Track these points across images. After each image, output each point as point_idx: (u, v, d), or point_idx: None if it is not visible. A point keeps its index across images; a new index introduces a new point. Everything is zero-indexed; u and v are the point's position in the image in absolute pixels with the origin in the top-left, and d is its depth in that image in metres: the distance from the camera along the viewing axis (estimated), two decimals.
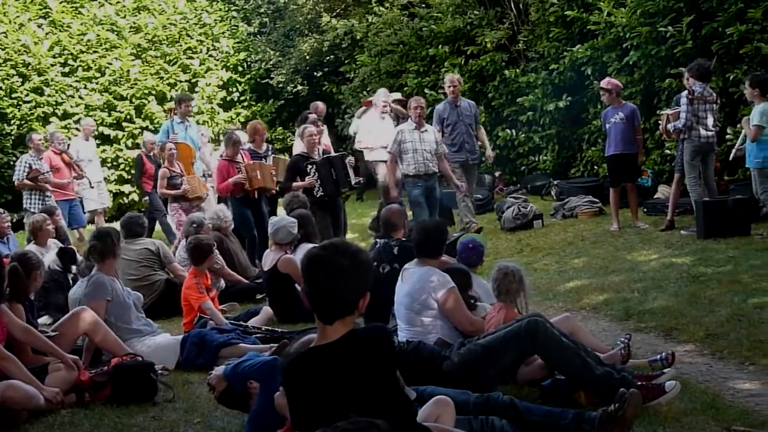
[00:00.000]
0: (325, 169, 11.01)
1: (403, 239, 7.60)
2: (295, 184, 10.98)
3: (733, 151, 10.59)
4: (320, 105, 15.62)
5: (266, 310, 8.59)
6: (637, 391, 4.73)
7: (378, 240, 8.00)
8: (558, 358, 5.38)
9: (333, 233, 10.86)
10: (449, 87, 12.70)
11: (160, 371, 6.57)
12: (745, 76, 11.94)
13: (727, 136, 12.30)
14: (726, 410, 5.09)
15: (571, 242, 11.38)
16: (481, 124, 13.20)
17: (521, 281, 6.14)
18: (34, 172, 13.25)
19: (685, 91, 10.82)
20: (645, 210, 12.86)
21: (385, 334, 3.84)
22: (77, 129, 18.96)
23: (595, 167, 15.38)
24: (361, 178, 12.90)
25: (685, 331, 6.95)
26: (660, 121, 10.89)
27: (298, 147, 12.52)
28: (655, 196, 13.40)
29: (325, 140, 13.86)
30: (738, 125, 11.50)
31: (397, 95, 15.31)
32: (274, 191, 12.08)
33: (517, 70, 16.95)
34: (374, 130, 13.42)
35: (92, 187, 15.49)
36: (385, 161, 12.13)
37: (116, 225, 12.68)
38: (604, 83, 12.04)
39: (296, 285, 8.49)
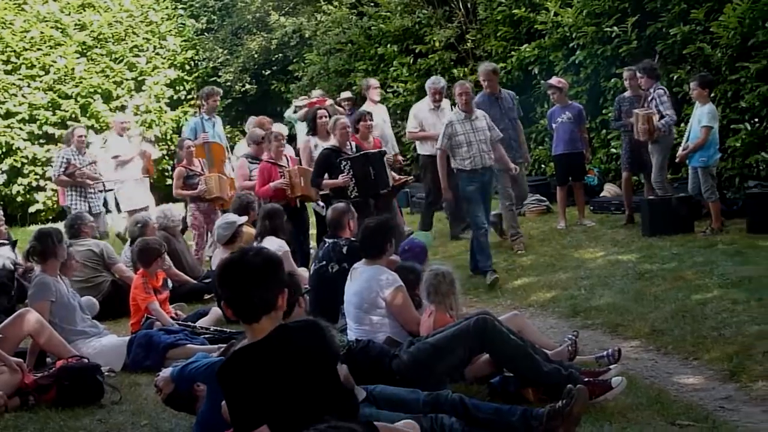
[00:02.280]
0: (361, 167, 9.55)
1: (352, 239, 7.59)
2: (327, 182, 9.67)
3: (680, 149, 10.72)
4: (371, 81, 13.99)
5: (215, 310, 8.50)
6: (584, 387, 4.78)
7: (327, 240, 7.98)
8: (506, 356, 5.42)
9: None
10: (483, 80, 11.10)
11: (106, 373, 6.51)
12: (688, 76, 12.12)
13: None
14: (671, 405, 5.17)
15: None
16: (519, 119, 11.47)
17: (452, 284, 6.16)
18: (72, 167, 12.62)
19: (661, 90, 10.99)
20: (591, 208, 12.99)
21: (316, 327, 3.84)
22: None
23: (542, 166, 15.48)
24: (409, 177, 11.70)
25: (631, 328, 7.06)
26: (634, 122, 10.89)
27: (242, 148, 12.28)
28: (602, 195, 13.53)
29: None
30: (681, 125, 11.65)
31: (347, 94, 15.25)
32: (315, 202, 10.66)
33: (466, 69, 16.99)
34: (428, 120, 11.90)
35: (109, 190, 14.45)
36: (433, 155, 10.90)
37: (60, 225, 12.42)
38: (554, 81, 12.14)
39: None
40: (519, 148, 10.99)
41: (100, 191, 13.48)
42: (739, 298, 7.40)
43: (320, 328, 3.87)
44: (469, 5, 17.60)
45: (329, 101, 14.32)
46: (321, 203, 10.25)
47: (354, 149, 9.96)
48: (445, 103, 11.95)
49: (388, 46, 18.28)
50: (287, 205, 9.93)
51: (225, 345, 6.49)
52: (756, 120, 11.62)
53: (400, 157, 12.57)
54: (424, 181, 12.28)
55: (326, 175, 9.66)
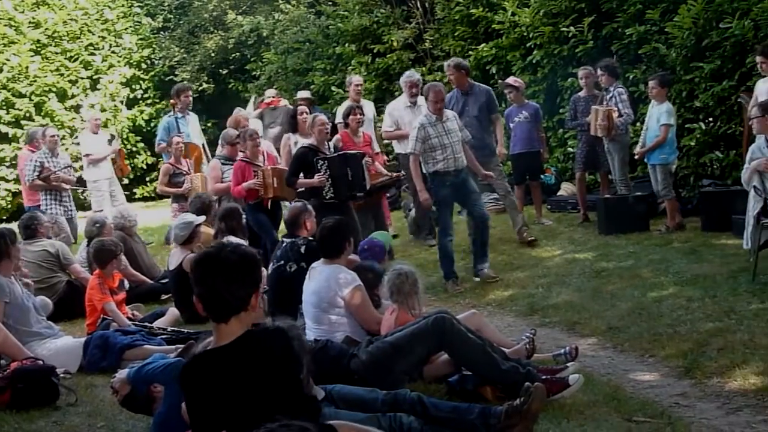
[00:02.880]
0: (338, 167, 9.26)
1: (310, 238, 7.57)
2: (302, 181, 9.37)
3: (638, 147, 10.83)
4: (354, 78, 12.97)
5: (172, 311, 8.46)
6: (542, 384, 4.80)
7: (284, 239, 7.96)
8: (464, 354, 5.43)
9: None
10: (448, 76, 10.88)
11: (61, 375, 6.43)
12: (644, 75, 12.25)
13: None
14: (627, 401, 5.22)
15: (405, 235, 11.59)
16: (495, 112, 11.02)
17: (415, 283, 6.17)
18: (46, 171, 12.24)
19: (621, 88, 11.09)
20: (549, 207, 13.08)
21: (282, 334, 3.80)
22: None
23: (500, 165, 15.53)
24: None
25: (588, 325, 7.11)
26: (592, 118, 10.96)
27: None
28: (559, 194, 13.63)
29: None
30: (637, 124, 11.76)
31: (306, 93, 15.17)
32: (290, 202, 9.96)
33: (424, 69, 17.01)
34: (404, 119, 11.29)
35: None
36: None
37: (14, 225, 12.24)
38: (511, 80, 12.21)
39: None
40: (486, 144, 10.54)
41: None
42: (693, 295, 7.49)
43: (287, 336, 3.85)
44: (426, 5, 17.64)
45: (283, 101, 14.25)
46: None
47: (332, 149, 9.72)
48: (421, 99, 10.95)
49: (346, 45, 18.27)
50: (261, 204, 9.85)
51: (182, 345, 6.45)
52: (710, 119, 11.77)
53: (384, 157, 12.28)
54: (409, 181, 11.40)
55: (302, 175, 9.39)
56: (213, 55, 22.19)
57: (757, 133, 7.86)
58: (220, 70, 22.64)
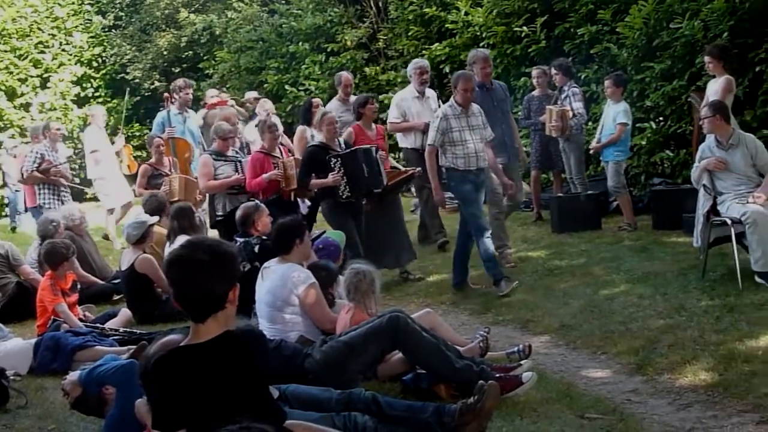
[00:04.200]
0: (353, 164, 8.64)
1: (264, 237, 7.54)
2: (315, 181, 8.78)
3: (593, 143, 10.93)
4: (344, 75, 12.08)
5: (124, 311, 8.39)
6: (496, 382, 4.81)
7: (238, 239, 7.92)
8: (418, 353, 5.43)
9: (359, 242, 8.69)
10: (477, 65, 9.64)
11: (11, 377, 6.34)
12: (596, 75, 12.37)
13: None
14: (580, 398, 5.26)
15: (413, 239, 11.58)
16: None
17: (372, 283, 6.16)
18: (47, 163, 11.85)
19: (575, 87, 11.17)
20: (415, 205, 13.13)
21: (260, 337, 3.79)
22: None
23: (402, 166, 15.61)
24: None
25: (541, 323, 7.16)
26: (547, 118, 11.02)
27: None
28: None
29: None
30: (590, 123, 11.87)
31: (253, 93, 15.11)
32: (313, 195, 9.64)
33: (378, 68, 17.07)
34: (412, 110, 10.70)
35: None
36: (416, 149, 10.34)
37: None
38: None
39: (155, 285, 8.34)
40: (513, 145, 9.77)
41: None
42: (645, 293, 7.57)
43: (263, 338, 3.84)
44: (380, 4, 17.70)
45: (230, 101, 14.13)
46: (307, 201, 9.66)
47: (343, 145, 9.05)
48: (430, 92, 10.92)
49: (300, 44, 18.28)
50: (280, 199, 9.29)
51: (135, 347, 6.40)
52: (661, 119, 11.91)
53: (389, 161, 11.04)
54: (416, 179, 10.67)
55: (314, 175, 8.80)
56: (165, 53, 22.06)
57: (708, 132, 7.95)
58: (173, 69, 22.47)
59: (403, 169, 9.98)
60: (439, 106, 9.54)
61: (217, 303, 3.52)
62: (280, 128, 12.10)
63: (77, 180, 13.09)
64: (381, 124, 11.01)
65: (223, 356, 3.52)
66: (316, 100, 10.92)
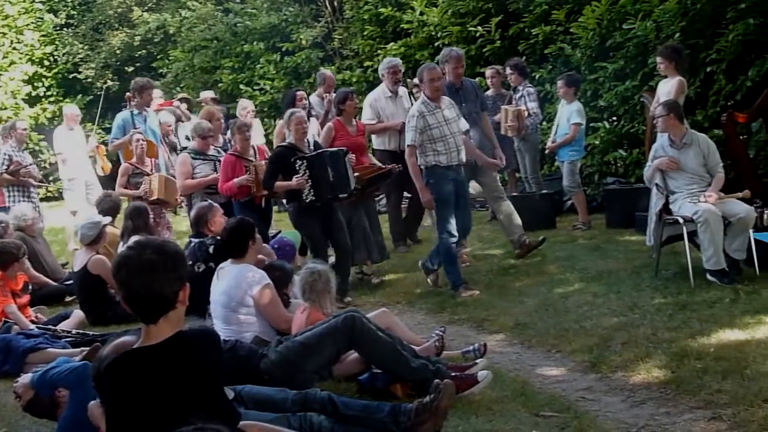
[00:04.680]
0: (318, 167, 8.25)
1: (219, 238, 7.50)
2: (279, 184, 8.39)
3: (549, 142, 11.01)
4: (327, 74, 12.10)
5: (77, 313, 8.29)
6: (451, 381, 4.82)
7: (192, 239, 7.87)
8: (374, 353, 5.43)
9: (326, 243, 8.47)
10: (450, 65, 9.35)
11: None
12: (550, 75, 12.45)
13: None
14: (535, 397, 5.28)
15: (387, 237, 11.53)
16: (485, 111, 9.82)
17: (328, 282, 6.16)
18: (15, 164, 11.41)
19: (530, 87, 11.24)
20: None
21: (213, 337, 3.76)
22: None
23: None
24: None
25: (496, 322, 7.18)
26: (502, 118, 11.06)
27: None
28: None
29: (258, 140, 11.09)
30: (544, 123, 11.95)
31: (209, 93, 14.99)
32: (284, 199, 9.43)
33: (333, 68, 17.02)
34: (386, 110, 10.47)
35: None
36: (390, 151, 10.15)
37: None
38: (418, 81, 12.23)
39: (108, 286, 8.26)
40: (481, 147, 9.35)
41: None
42: (598, 291, 7.63)
43: (217, 339, 3.80)
44: (335, 4, 17.70)
45: (175, 102, 13.98)
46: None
47: (312, 146, 8.65)
48: (402, 90, 10.71)
49: (255, 43, 18.21)
50: (252, 203, 9.04)
51: (88, 348, 6.34)
52: (614, 118, 12.03)
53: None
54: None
55: (281, 177, 8.41)
56: (118, 52, 21.87)
57: (661, 131, 8.03)
58: (126, 68, 22.30)
59: (378, 165, 9.69)
60: (412, 104, 9.47)
61: (168, 304, 3.47)
62: (260, 130, 11.94)
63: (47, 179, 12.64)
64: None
65: (177, 357, 3.48)
66: (300, 93, 10.65)
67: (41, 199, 13.56)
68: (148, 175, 10.51)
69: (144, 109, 11.57)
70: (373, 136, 10.85)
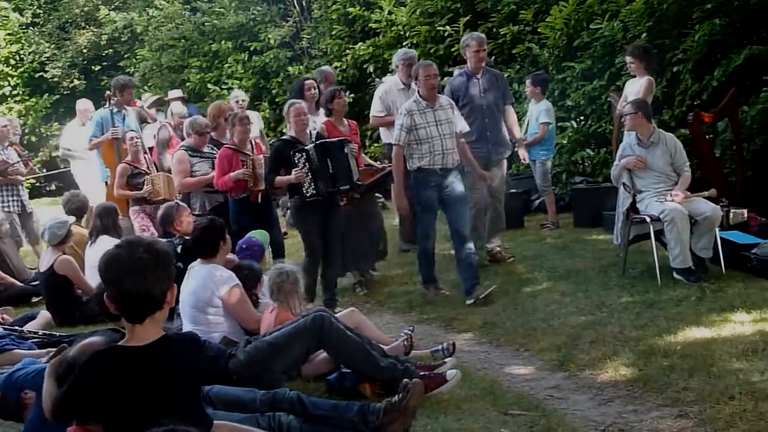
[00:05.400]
0: (319, 159, 7.88)
1: (187, 237, 7.45)
2: (279, 178, 8.00)
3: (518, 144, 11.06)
4: (328, 70, 11.56)
5: (43, 313, 8.21)
6: (420, 381, 4.83)
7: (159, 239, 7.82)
8: (343, 352, 5.42)
9: (325, 245, 8.11)
10: (471, 49, 8.88)
11: None
12: (518, 75, 12.50)
13: None
14: (503, 395, 5.29)
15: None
16: (511, 105, 9.42)
17: (296, 283, 6.14)
18: (2, 164, 11.09)
19: None
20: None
21: (198, 344, 3.74)
22: None
23: (378, 162, 15.63)
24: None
25: (465, 321, 7.20)
26: None
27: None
28: None
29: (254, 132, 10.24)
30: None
31: (177, 92, 14.87)
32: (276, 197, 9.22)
33: (301, 67, 17.01)
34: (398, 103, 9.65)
35: None
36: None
37: None
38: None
39: (75, 286, 8.19)
40: (495, 141, 8.90)
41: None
42: (566, 290, 7.67)
43: (201, 345, 3.78)
44: (304, 3, 17.67)
45: (139, 103, 13.84)
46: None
47: (315, 138, 8.18)
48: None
49: (223, 42, 18.13)
50: (248, 199, 8.56)
51: (55, 350, 6.27)
52: (581, 118, 12.09)
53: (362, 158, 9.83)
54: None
55: (282, 171, 8.01)
56: (85, 51, 21.72)
57: (629, 129, 8.07)
58: (93, 67, 22.14)
59: (378, 166, 9.30)
60: None
61: (156, 303, 3.45)
62: (259, 125, 11.59)
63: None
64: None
65: (163, 361, 3.46)
66: (309, 82, 10.00)
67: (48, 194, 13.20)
68: (146, 174, 10.21)
69: (123, 107, 11.35)
70: (383, 129, 10.38)
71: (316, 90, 9.74)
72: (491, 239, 9.25)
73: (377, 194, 10.06)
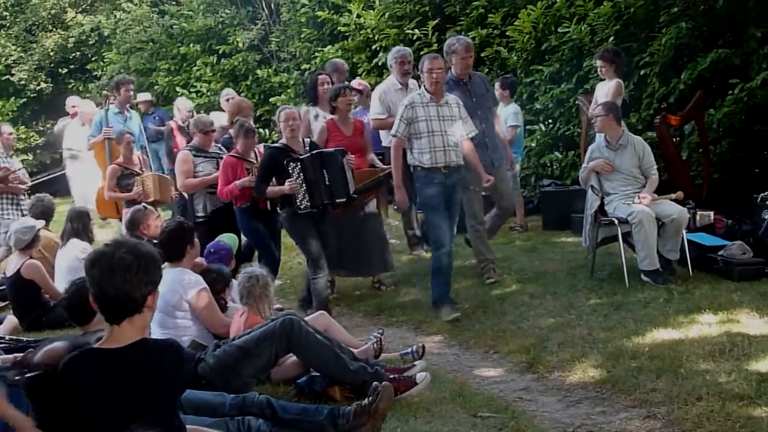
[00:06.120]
0: (313, 170, 7.55)
1: (155, 241, 7.40)
2: (271, 189, 7.68)
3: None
4: (339, 62, 10.91)
5: (10, 318, 8.13)
6: (390, 384, 4.82)
7: None
8: (312, 356, 5.41)
9: (322, 253, 7.74)
10: (457, 55, 8.40)
11: None
12: (486, 77, 12.53)
13: None
14: (473, 398, 5.31)
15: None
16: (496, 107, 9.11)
17: (266, 287, 6.11)
18: (4, 171, 10.68)
19: None
20: (395, 207, 13.13)
21: (178, 350, 3.71)
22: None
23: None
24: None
25: (434, 324, 7.21)
26: None
27: None
28: None
29: None
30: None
31: (146, 96, 14.81)
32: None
33: (270, 70, 16.98)
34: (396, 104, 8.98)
35: None
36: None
37: None
38: (356, 84, 12.23)
39: (42, 291, 8.12)
40: (495, 146, 8.53)
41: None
42: (535, 292, 7.70)
43: (181, 352, 3.75)
44: (272, 6, 17.62)
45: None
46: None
47: (308, 147, 7.87)
48: (413, 82, 9.55)
49: (191, 45, 18.06)
50: (255, 207, 8.21)
51: (21, 355, 6.20)
52: (550, 121, 12.15)
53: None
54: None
55: (273, 180, 7.71)
56: (52, 54, 21.57)
57: (599, 130, 8.12)
58: (60, 70, 22.00)
59: (380, 167, 8.81)
60: None
61: (135, 306, 3.43)
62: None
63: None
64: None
65: (139, 364, 3.44)
66: (323, 77, 9.40)
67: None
68: (138, 174, 9.91)
69: (126, 108, 11.22)
70: (383, 132, 9.71)
71: (330, 84, 9.20)
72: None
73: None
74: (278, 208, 7.96)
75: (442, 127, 7.44)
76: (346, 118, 8.59)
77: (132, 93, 11.64)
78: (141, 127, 11.45)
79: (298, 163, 7.51)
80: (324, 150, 7.89)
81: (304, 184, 7.49)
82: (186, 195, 9.20)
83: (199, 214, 8.73)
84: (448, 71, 8.32)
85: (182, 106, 12.01)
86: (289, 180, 7.48)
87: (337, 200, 7.70)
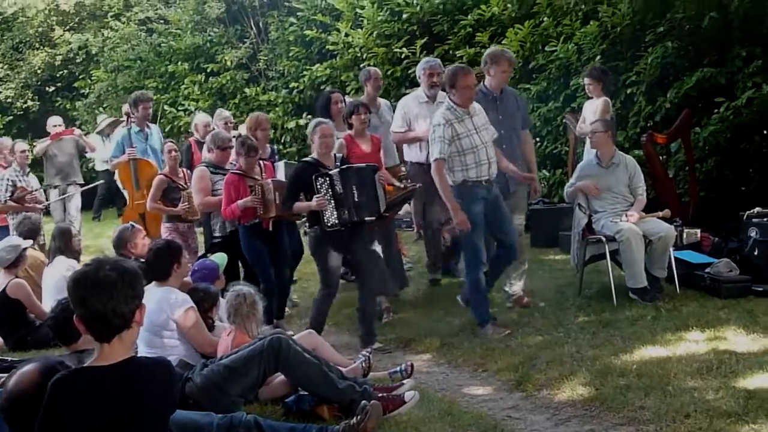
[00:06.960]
0: (343, 186, 7.22)
1: (142, 260, 7.38)
2: (298, 205, 7.40)
3: None
4: (372, 69, 9.86)
5: None
6: (378, 402, 4.83)
7: None
8: (301, 375, 5.39)
9: (338, 280, 7.68)
10: (499, 67, 7.97)
11: None
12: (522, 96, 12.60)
13: None
14: (461, 416, 5.29)
15: (310, 259, 11.51)
16: (526, 129, 8.49)
17: (253, 305, 6.08)
18: (21, 190, 10.58)
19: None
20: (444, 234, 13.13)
21: (168, 369, 3.69)
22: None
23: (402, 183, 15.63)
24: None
25: (422, 342, 7.19)
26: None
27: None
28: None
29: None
30: None
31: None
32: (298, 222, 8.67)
33: (258, 89, 16.98)
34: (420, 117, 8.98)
35: None
36: (423, 164, 8.77)
37: None
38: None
39: (27, 310, 8.07)
40: (520, 167, 7.94)
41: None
42: (523, 310, 7.73)
43: (172, 371, 3.73)
44: (260, 25, 17.63)
45: (77, 131, 13.66)
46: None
47: (339, 161, 7.58)
48: (442, 95, 8.58)
49: (179, 63, 18.05)
50: (259, 227, 7.92)
51: (5, 375, 6.17)
52: (537, 139, 12.16)
53: (402, 168, 8.90)
54: (415, 199, 9.24)
55: (302, 196, 7.38)
56: (39, 72, 21.52)
57: (595, 147, 8.13)
58: (47, 88, 21.95)
59: (400, 185, 8.37)
60: None
61: (123, 322, 3.41)
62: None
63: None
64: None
65: (129, 382, 3.42)
66: (336, 95, 9.17)
67: None
68: (183, 189, 9.26)
69: (146, 125, 11.01)
70: (405, 147, 9.39)
71: (343, 103, 8.95)
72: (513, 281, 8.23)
73: None
74: (306, 227, 7.76)
75: (481, 140, 7.25)
76: (363, 133, 8.33)
77: (150, 111, 11.30)
78: (162, 142, 10.96)
79: (327, 179, 7.22)
80: (354, 165, 7.58)
81: (331, 200, 7.20)
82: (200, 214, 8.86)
83: (216, 234, 8.48)
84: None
85: (200, 121, 11.73)
86: (317, 196, 7.20)
87: (367, 218, 7.41)
